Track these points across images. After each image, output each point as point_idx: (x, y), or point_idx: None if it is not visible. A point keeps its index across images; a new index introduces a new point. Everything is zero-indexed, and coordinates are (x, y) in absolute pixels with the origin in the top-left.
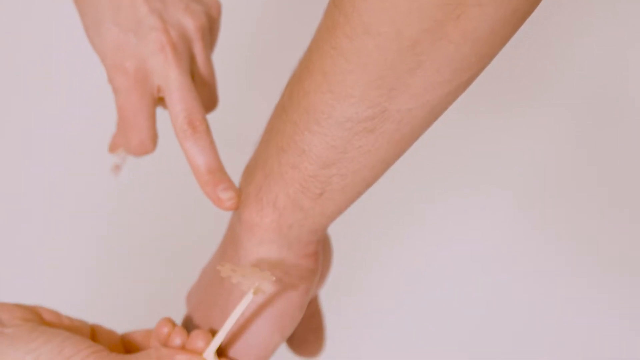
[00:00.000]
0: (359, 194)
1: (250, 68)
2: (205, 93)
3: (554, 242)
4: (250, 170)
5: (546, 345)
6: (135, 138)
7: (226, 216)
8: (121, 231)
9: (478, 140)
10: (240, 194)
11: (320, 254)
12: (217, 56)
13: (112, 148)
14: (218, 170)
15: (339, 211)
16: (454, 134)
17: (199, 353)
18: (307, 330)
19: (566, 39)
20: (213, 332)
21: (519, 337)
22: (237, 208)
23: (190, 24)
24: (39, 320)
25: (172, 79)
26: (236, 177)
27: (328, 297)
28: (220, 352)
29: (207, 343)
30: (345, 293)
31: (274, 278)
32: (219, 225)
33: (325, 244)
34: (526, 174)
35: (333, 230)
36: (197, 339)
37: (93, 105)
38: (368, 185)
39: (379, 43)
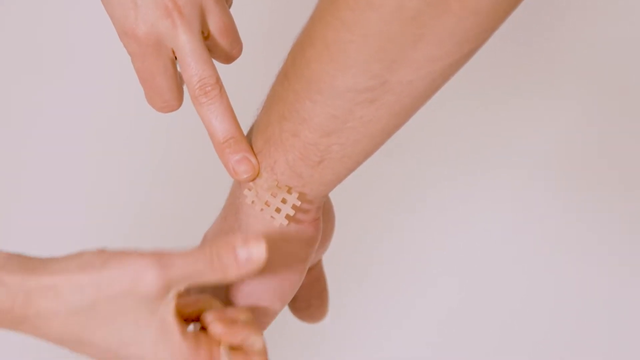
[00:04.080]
0: (358, 163)
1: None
2: (227, 44)
3: (563, 234)
4: (250, 135)
5: (563, 338)
6: (158, 99)
7: None
8: (129, 229)
9: (486, 130)
10: (257, 165)
11: (320, 220)
12: None
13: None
14: (234, 138)
15: (338, 180)
16: (462, 121)
17: None
18: (311, 296)
19: (582, 26)
20: None
21: (537, 332)
22: (254, 179)
23: None
24: None
25: (181, 44)
26: None
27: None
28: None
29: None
30: (355, 282)
31: (299, 203)
32: None
33: (326, 209)
34: (534, 165)
35: (341, 218)
36: None
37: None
38: (367, 155)
39: (381, 15)
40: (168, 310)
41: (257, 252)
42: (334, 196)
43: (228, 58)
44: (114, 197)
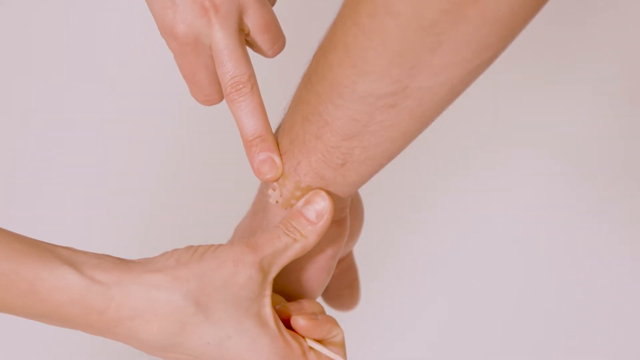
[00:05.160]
0: (381, 165)
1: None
2: (267, 40)
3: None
4: (277, 135)
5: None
6: (199, 93)
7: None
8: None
9: (493, 130)
10: (282, 166)
11: (346, 219)
12: None
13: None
14: (261, 137)
15: (362, 181)
16: (469, 121)
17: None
18: (342, 285)
19: (598, 21)
20: None
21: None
22: (276, 180)
23: None
24: None
25: (217, 42)
26: None
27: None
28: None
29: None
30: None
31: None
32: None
33: (354, 205)
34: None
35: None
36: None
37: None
38: (390, 157)
39: (399, 23)
40: (265, 303)
41: (322, 203)
42: None
43: (269, 53)
44: (121, 198)
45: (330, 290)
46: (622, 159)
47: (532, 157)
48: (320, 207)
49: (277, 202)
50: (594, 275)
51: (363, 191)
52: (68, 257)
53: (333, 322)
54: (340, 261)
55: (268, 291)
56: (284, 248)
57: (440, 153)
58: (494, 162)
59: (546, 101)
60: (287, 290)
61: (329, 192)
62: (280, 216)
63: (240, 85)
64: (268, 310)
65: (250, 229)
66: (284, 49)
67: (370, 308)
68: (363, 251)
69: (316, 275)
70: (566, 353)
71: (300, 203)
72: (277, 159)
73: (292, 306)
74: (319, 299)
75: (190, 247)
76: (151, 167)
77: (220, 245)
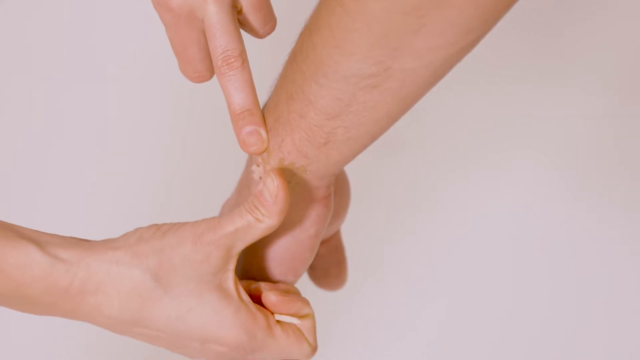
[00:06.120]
0: (364, 145)
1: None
2: (259, 19)
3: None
4: (263, 112)
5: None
6: (190, 69)
7: None
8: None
9: (491, 128)
10: (267, 139)
11: (330, 197)
12: None
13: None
14: (249, 111)
15: (345, 161)
16: (467, 119)
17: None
18: (330, 265)
19: (598, 17)
20: None
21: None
22: (262, 153)
23: None
24: None
25: (209, 15)
26: None
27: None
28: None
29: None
30: (356, 281)
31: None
32: None
33: (340, 184)
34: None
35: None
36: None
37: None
38: (373, 138)
39: (383, 5)
40: (227, 277)
41: (275, 184)
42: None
43: (260, 33)
44: (120, 198)
45: (318, 270)
46: (621, 158)
47: (529, 157)
48: (274, 186)
49: (260, 178)
50: (592, 275)
51: (361, 191)
52: (32, 236)
53: (305, 302)
54: (327, 240)
55: (231, 266)
56: (247, 226)
57: (436, 154)
58: (492, 163)
59: (543, 101)
60: (269, 268)
61: (284, 173)
62: None
63: (232, 59)
64: (230, 284)
65: (236, 205)
66: (275, 32)
67: (368, 308)
68: (361, 251)
69: (299, 254)
70: (565, 352)
71: (259, 184)
72: (263, 132)
73: (266, 286)
74: (309, 288)
75: (154, 225)
76: (150, 167)
77: (184, 223)
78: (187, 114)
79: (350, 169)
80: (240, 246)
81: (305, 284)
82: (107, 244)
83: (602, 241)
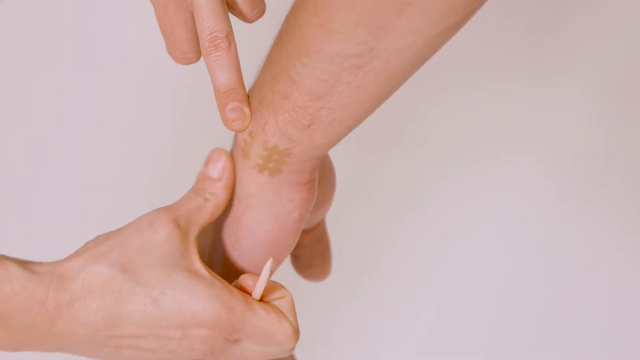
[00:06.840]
0: (348, 128)
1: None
2: (247, 3)
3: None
4: (248, 95)
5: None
6: (177, 50)
7: None
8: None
9: (489, 129)
10: (249, 116)
11: (314, 182)
12: None
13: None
14: (233, 89)
15: (329, 144)
16: (464, 120)
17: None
18: (314, 255)
19: (595, 17)
20: None
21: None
22: (244, 130)
23: None
24: None
25: None
26: None
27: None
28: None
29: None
30: (353, 281)
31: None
32: None
33: (325, 170)
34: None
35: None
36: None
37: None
38: (357, 121)
39: None
40: (193, 260)
41: (221, 159)
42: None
43: (249, 17)
44: (119, 198)
45: (302, 260)
46: (621, 159)
47: (527, 158)
48: (220, 164)
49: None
50: (588, 277)
51: (358, 189)
52: (5, 255)
53: (280, 286)
54: (311, 230)
55: (193, 249)
56: (197, 208)
57: (434, 154)
58: (490, 163)
59: (542, 101)
60: (252, 252)
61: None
62: (247, 175)
63: (219, 41)
64: (198, 265)
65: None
66: (264, 17)
67: (365, 308)
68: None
69: (283, 238)
70: (559, 353)
71: (204, 165)
72: (246, 109)
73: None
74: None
75: (110, 231)
76: (149, 167)
77: (137, 218)
78: (187, 114)
79: (348, 168)
80: (196, 229)
81: (294, 282)
82: (70, 256)
83: (599, 243)
